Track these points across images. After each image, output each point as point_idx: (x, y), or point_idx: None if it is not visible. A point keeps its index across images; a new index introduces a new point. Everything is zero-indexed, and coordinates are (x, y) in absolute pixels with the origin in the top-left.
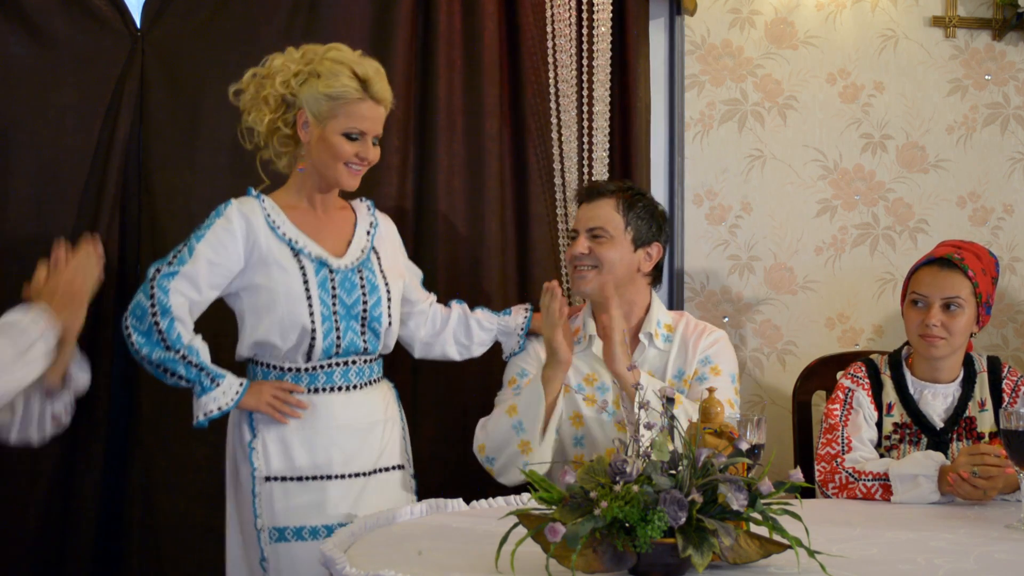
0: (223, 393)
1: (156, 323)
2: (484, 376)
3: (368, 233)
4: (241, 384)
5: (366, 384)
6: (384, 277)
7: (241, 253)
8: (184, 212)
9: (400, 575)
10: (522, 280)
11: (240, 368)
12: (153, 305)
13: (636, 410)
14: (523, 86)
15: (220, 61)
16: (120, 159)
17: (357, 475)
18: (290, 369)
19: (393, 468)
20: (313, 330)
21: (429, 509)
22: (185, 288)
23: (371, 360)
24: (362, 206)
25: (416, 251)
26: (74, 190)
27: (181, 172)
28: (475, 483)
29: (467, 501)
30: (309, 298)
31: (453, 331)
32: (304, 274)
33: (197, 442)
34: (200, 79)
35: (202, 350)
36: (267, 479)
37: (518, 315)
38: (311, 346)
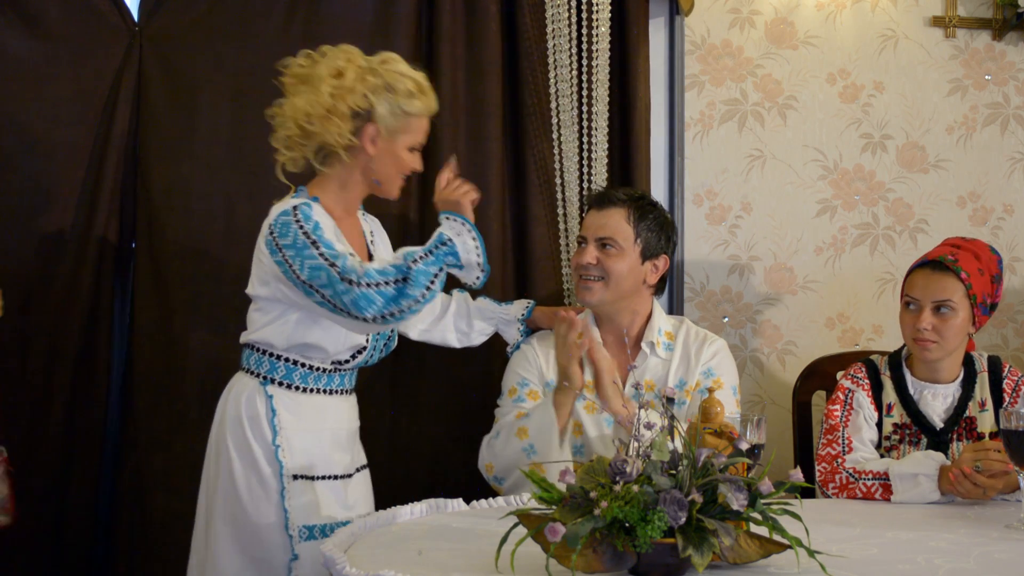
0: (463, 246)
1: (382, 291)
2: (486, 377)
3: (371, 242)
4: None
5: (355, 387)
6: None
7: None
8: (182, 206)
9: (400, 575)
10: (522, 281)
11: (237, 350)
12: (362, 287)
13: (632, 440)
14: (523, 86)
15: (218, 55)
16: (118, 153)
17: (349, 475)
18: (316, 368)
19: (365, 467)
20: (364, 347)
21: (429, 509)
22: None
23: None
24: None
25: None
26: (71, 184)
27: (179, 166)
28: (475, 483)
29: (467, 501)
30: None
31: (453, 318)
32: None
33: (191, 441)
34: (198, 73)
35: (400, 253)
36: (295, 477)
37: (519, 306)
38: (352, 357)
